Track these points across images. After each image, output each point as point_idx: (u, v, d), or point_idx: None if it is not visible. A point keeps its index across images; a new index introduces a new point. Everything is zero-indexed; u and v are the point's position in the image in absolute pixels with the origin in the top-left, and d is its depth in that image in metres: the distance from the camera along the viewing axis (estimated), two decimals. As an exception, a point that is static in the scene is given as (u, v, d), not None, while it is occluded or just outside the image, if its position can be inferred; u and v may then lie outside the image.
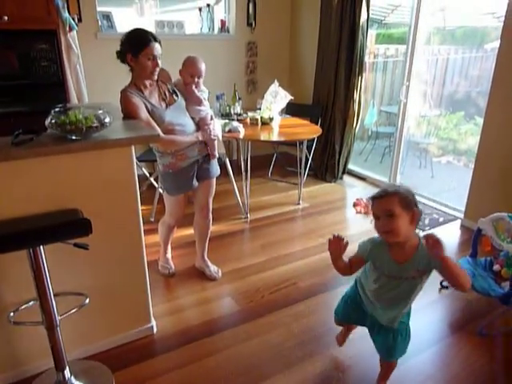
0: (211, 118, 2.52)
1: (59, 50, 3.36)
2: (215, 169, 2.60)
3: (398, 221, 1.46)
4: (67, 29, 3.37)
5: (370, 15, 4.04)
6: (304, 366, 2.05)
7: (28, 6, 3.11)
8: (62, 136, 1.68)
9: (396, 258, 1.57)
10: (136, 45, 2.11)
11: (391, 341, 1.72)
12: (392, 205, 1.46)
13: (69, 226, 1.61)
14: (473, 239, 2.51)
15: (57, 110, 1.70)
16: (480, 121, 3.81)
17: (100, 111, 1.74)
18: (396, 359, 1.79)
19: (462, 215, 3.59)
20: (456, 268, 1.46)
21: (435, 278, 2.65)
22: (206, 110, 2.50)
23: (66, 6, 3.35)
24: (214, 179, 2.62)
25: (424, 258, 1.52)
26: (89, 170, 1.78)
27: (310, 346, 2.18)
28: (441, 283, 2.66)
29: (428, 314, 2.45)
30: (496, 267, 2.44)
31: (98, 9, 3.96)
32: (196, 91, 2.43)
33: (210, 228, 2.75)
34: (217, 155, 2.54)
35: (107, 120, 1.74)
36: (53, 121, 1.65)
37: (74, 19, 3.45)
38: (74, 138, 1.68)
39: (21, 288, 1.77)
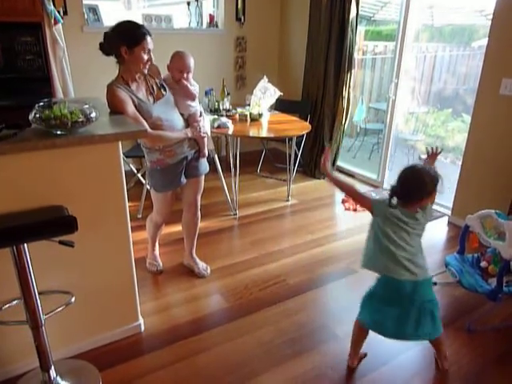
0: (200, 115, 2.49)
1: (44, 43, 3.28)
2: (204, 166, 2.57)
3: None
4: (52, 22, 3.29)
5: (360, 11, 4.03)
6: (294, 364, 2.04)
7: (12, -2, 3.03)
8: (46, 131, 1.64)
9: None
10: (133, 37, 2.05)
11: (433, 314, 1.81)
12: None
13: (54, 224, 1.57)
14: (460, 236, 2.52)
15: (41, 104, 1.66)
16: (467, 118, 3.84)
17: (86, 106, 1.70)
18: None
19: (449, 212, 3.62)
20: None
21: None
22: (196, 106, 2.47)
23: (51, -2, 3.28)
24: (203, 176, 2.59)
25: None
26: (74, 166, 1.74)
27: (300, 343, 2.17)
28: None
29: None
30: (483, 264, 2.46)
31: (84, 1, 3.88)
32: (189, 86, 2.39)
33: (198, 225, 2.72)
34: (206, 154, 2.50)
35: (93, 115, 1.70)
36: (37, 115, 1.61)
37: (59, 12, 3.38)
38: (58, 133, 1.64)
39: (4, 287, 1.73)
